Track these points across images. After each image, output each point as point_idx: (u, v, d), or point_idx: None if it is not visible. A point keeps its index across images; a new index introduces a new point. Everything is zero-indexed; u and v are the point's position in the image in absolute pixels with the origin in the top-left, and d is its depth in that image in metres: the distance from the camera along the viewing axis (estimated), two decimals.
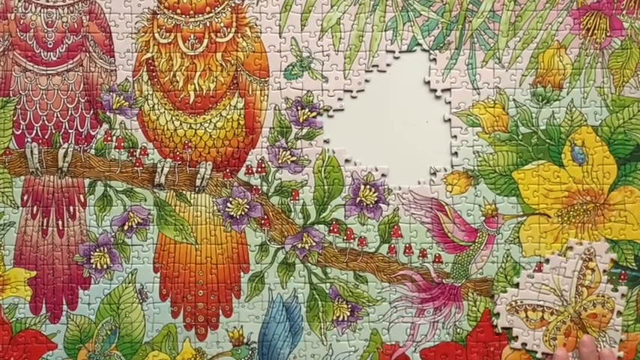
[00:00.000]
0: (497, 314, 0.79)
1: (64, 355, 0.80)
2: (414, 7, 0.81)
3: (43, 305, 0.80)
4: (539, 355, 0.79)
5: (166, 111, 0.81)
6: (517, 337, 0.79)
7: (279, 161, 0.81)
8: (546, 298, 0.78)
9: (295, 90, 0.81)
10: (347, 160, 0.81)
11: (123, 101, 0.81)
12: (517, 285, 0.79)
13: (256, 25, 0.81)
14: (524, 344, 0.79)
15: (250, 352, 0.81)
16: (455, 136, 0.81)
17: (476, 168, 0.81)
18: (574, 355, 0.78)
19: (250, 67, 0.81)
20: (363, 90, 0.82)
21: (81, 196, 0.81)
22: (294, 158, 0.81)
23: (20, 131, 0.81)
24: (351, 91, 0.82)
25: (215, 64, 0.81)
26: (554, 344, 0.78)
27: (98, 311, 0.81)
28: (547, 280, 0.79)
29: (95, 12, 0.81)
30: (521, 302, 0.78)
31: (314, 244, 0.81)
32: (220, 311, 0.81)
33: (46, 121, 0.81)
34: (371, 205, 0.81)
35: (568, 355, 0.78)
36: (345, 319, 0.81)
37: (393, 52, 0.82)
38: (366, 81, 0.82)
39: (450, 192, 0.81)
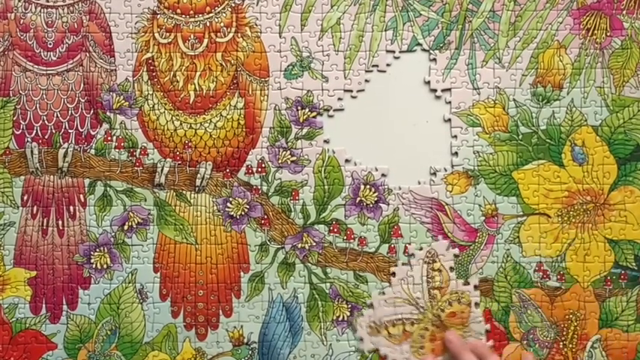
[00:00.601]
0: (361, 339, 0.78)
1: (64, 355, 0.80)
2: (414, 7, 0.81)
3: (43, 305, 0.80)
4: None
5: (166, 111, 0.81)
6: (386, 356, 0.78)
7: (279, 161, 0.81)
8: (402, 310, 0.78)
9: (295, 90, 0.81)
10: (347, 160, 0.81)
11: (123, 101, 0.81)
12: (371, 305, 0.78)
13: (256, 25, 0.81)
14: None
15: (250, 352, 0.81)
16: (455, 136, 0.81)
17: (476, 168, 0.81)
18: (445, 358, 0.78)
19: (250, 67, 0.81)
20: (363, 90, 0.82)
21: (81, 196, 0.81)
22: (294, 158, 0.81)
23: (20, 131, 0.81)
24: (351, 91, 0.82)
25: (215, 64, 0.81)
26: (423, 353, 0.77)
27: (98, 311, 0.81)
28: (399, 293, 0.78)
29: (95, 12, 0.81)
30: (380, 321, 0.78)
31: (314, 244, 0.81)
32: (220, 311, 0.81)
33: (46, 121, 0.81)
34: (371, 205, 0.81)
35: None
36: (345, 319, 0.81)
37: (393, 52, 0.82)
38: (366, 81, 0.82)
39: (450, 192, 0.81)
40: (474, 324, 0.78)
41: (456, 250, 0.79)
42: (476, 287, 0.79)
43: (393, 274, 0.78)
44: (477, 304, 0.78)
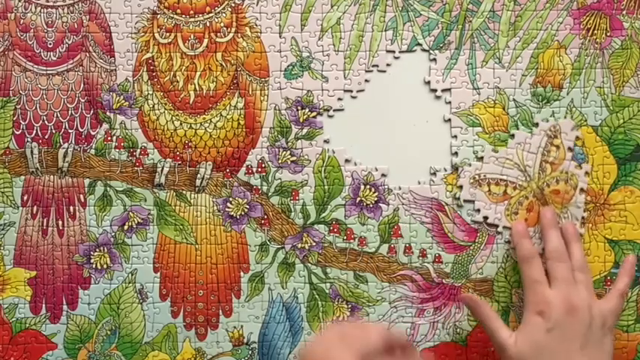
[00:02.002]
0: (460, 187, 0.79)
1: (64, 355, 0.80)
2: (414, 7, 0.81)
3: (43, 305, 0.80)
4: (499, 229, 0.79)
5: (166, 111, 0.81)
6: (479, 209, 0.79)
7: (279, 161, 0.81)
8: (510, 173, 0.79)
9: (295, 90, 0.81)
10: (347, 160, 0.81)
11: (123, 101, 0.81)
12: (481, 159, 0.79)
13: (256, 25, 0.81)
14: (485, 217, 0.79)
15: (250, 352, 0.81)
16: (455, 136, 0.81)
17: None
18: (535, 230, 0.78)
19: (250, 67, 0.81)
20: (363, 90, 0.82)
21: (81, 196, 0.81)
22: (294, 158, 0.81)
23: (20, 131, 0.81)
24: (351, 91, 0.82)
25: (215, 64, 0.81)
26: (515, 219, 0.79)
27: (98, 311, 0.81)
28: (511, 155, 0.79)
29: (95, 12, 0.81)
30: (485, 176, 0.79)
31: (314, 244, 0.81)
32: (220, 311, 0.81)
33: (46, 121, 0.81)
34: (371, 205, 0.81)
35: (527, 229, 0.78)
36: (345, 319, 0.81)
37: (393, 52, 0.82)
38: (366, 81, 0.82)
39: (450, 192, 0.81)
40: (573, 207, 0.79)
41: (579, 133, 0.80)
42: (587, 174, 0.79)
43: (512, 135, 0.79)
44: (582, 190, 0.79)
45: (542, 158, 0.78)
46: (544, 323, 0.70)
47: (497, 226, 0.80)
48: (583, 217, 0.79)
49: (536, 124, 0.79)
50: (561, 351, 0.70)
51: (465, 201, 0.80)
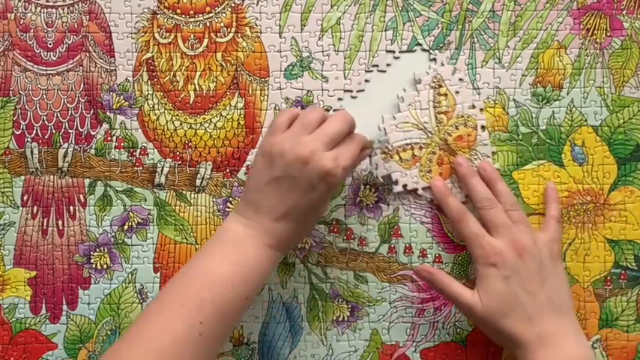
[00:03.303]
0: (376, 165, 0.79)
1: (64, 355, 0.80)
2: (414, 7, 0.81)
3: (43, 305, 0.80)
4: (420, 192, 0.80)
5: (166, 111, 0.81)
6: (397, 180, 0.79)
7: None
8: (412, 135, 0.79)
9: (295, 90, 0.81)
10: None
11: (123, 101, 0.81)
12: (384, 131, 0.79)
13: (256, 25, 0.81)
14: (404, 186, 0.80)
15: (250, 352, 0.81)
16: None
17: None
18: (452, 180, 0.79)
19: (250, 67, 0.81)
20: (363, 90, 0.82)
21: (81, 196, 0.81)
22: None
23: (20, 131, 0.81)
24: (351, 91, 0.82)
25: (215, 64, 0.81)
26: (430, 177, 0.79)
27: (98, 311, 0.81)
28: (407, 118, 0.79)
29: (95, 12, 0.81)
30: (392, 146, 0.79)
31: (314, 244, 0.81)
32: None
33: (46, 121, 0.81)
34: (371, 205, 0.81)
35: (446, 185, 0.79)
36: (345, 319, 0.81)
37: (393, 52, 0.82)
38: (366, 81, 0.82)
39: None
40: (480, 146, 0.79)
41: (462, 74, 0.80)
42: (482, 110, 0.79)
43: (402, 98, 0.80)
44: (483, 128, 0.80)
45: (435, 111, 0.79)
46: (499, 272, 0.71)
47: (416, 190, 0.79)
48: (493, 152, 0.80)
49: (419, 81, 0.80)
50: (524, 293, 0.71)
51: (383, 177, 0.80)
